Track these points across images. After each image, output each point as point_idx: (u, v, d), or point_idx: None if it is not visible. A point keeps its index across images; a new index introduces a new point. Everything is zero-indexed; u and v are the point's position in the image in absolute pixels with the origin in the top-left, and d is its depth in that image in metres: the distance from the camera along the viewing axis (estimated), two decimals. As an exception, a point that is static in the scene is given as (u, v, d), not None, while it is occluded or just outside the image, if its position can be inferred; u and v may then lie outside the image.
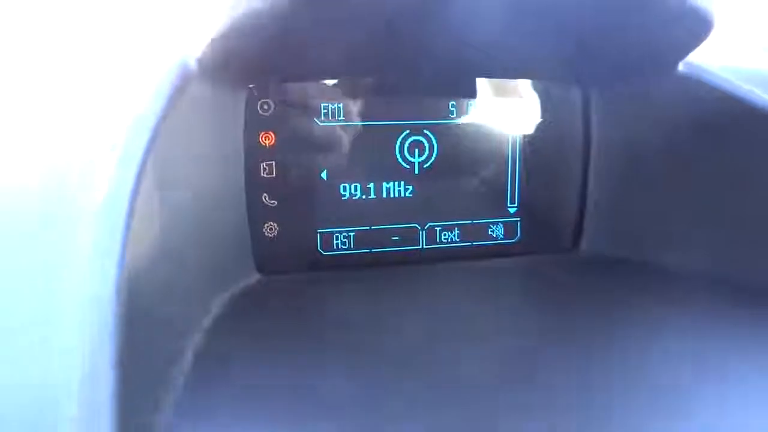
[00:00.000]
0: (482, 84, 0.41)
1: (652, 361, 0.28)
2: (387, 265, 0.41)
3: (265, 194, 0.38)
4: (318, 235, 0.40)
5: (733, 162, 0.36)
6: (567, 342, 0.30)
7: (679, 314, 0.33)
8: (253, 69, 0.35)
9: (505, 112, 0.41)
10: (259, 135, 0.38)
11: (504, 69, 0.40)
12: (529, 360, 0.28)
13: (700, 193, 0.38)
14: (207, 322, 0.30)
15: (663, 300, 0.35)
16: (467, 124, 0.41)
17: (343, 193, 0.40)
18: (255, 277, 0.38)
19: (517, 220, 0.43)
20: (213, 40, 0.30)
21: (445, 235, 0.42)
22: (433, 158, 0.41)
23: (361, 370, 0.28)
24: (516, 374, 0.27)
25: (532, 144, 0.42)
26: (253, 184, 0.38)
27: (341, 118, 0.39)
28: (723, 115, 0.35)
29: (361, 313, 0.35)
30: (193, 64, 0.30)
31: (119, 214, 0.19)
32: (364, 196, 0.40)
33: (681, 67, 0.36)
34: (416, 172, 0.41)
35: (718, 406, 0.24)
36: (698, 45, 0.33)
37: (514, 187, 0.42)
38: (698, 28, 0.30)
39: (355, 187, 0.40)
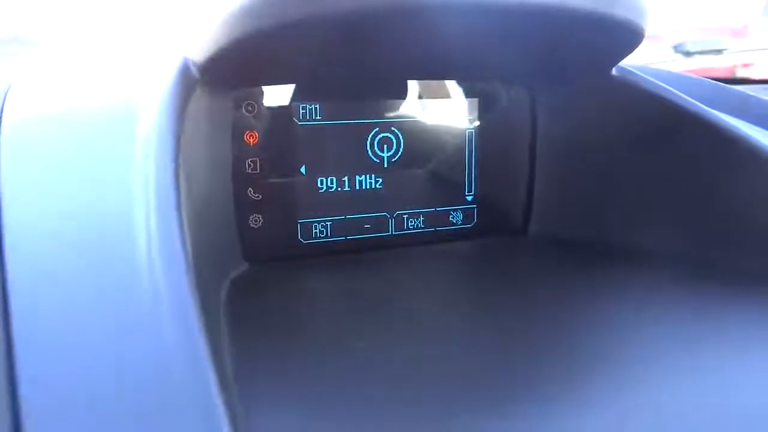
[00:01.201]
0: (443, 85, 0.46)
1: (591, 323, 0.34)
2: (361, 250, 0.45)
3: (250, 188, 0.42)
4: (298, 225, 0.44)
5: (659, 152, 0.42)
6: (519, 308, 0.36)
7: (611, 282, 0.39)
8: (241, 75, 0.38)
9: (462, 110, 0.46)
10: (244, 134, 0.41)
11: (463, 72, 0.45)
12: (490, 325, 0.34)
13: (632, 180, 0.44)
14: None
15: (598, 271, 0.41)
16: (429, 122, 0.46)
17: (320, 186, 0.44)
18: (243, 265, 0.41)
19: (474, 207, 0.48)
20: (211, 51, 0.33)
21: (411, 222, 0.46)
22: (400, 153, 0.45)
23: (349, 337, 0.32)
24: (480, 338, 0.32)
25: (485, 139, 0.47)
26: (239, 179, 0.41)
27: (318, 118, 0.43)
28: (649, 111, 0.41)
29: (341, 292, 0.40)
30: (195, 72, 0.33)
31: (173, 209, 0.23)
32: (339, 189, 0.44)
33: (614, 71, 0.42)
34: (385, 165, 0.45)
35: (662, 372, 0.29)
36: (630, 52, 0.38)
37: (471, 177, 0.47)
38: (629, 38, 0.36)
39: (331, 180, 0.44)
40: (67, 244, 0.23)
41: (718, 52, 1.19)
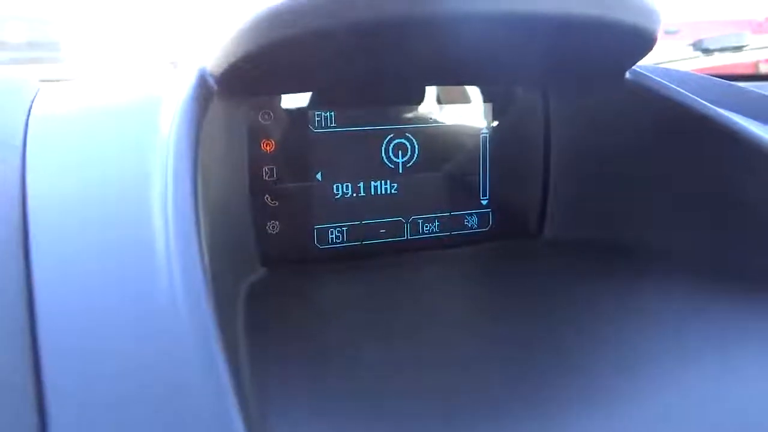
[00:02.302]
0: (457, 91, 0.46)
1: (605, 321, 0.34)
2: (376, 255, 0.45)
3: (267, 195, 0.43)
4: (315, 230, 0.44)
5: (672, 155, 0.42)
6: (535, 312, 0.36)
7: (626, 285, 0.39)
8: (255, 86, 0.39)
9: (476, 115, 0.47)
10: (260, 142, 0.42)
11: (476, 78, 0.45)
12: (506, 330, 0.34)
13: (645, 183, 0.44)
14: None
15: (610, 272, 0.41)
16: (444, 127, 0.46)
17: (336, 192, 0.44)
18: (261, 271, 0.42)
19: (488, 211, 0.48)
20: (225, 64, 0.34)
21: (426, 226, 0.47)
22: (414, 158, 0.46)
23: (366, 341, 0.33)
24: (496, 343, 0.33)
25: (499, 143, 0.47)
26: (256, 186, 0.42)
27: (332, 125, 0.43)
28: (661, 114, 0.41)
29: (357, 296, 0.40)
30: (212, 83, 0.34)
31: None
32: (354, 195, 0.45)
33: (628, 74, 0.42)
34: (400, 171, 0.45)
35: (673, 368, 0.30)
36: (642, 56, 0.39)
37: (485, 181, 0.48)
38: (641, 43, 0.36)
39: (347, 186, 0.44)
40: (89, 243, 0.24)
41: (738, 48, 1.18)
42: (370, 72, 0.41)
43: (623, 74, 0.41)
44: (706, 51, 1.17)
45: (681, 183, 0.42)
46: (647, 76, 0.42)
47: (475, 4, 0.29)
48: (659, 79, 0.41)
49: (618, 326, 0.35)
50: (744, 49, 1.18)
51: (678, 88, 0.41)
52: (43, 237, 0.25)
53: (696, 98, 0.40)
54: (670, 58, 1.26)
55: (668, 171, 0.42)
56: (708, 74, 1.11)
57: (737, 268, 0.39)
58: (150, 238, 0.24)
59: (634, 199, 0.44)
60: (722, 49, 1.17)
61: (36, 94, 0.36)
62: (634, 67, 0.41)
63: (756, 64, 1.31)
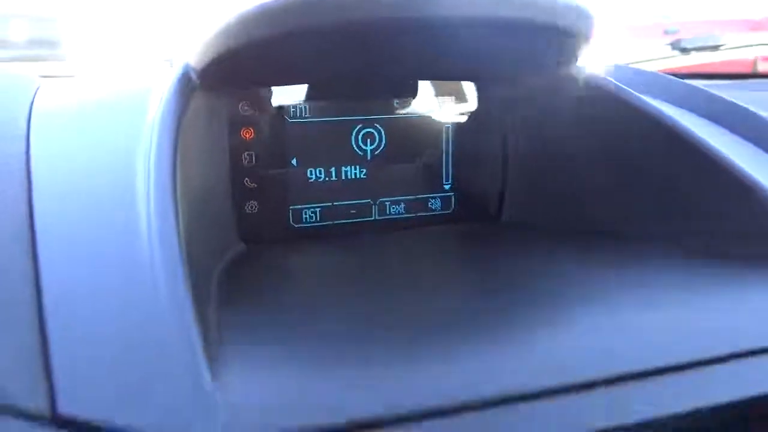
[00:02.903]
0: (421, 85, 0.51)
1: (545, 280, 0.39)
2: (347, 234, 0.50)
3: (246, 178, 0.47)
4: (290, 211, 0.49)
5: (609, 143, 0.47)
6: (488, 274, 0.41)
7: (569, 255, 0.44)
8: (236, 79, 0.44)
9: (438, 108, 0.51)
10: (240, 131, 0.47)
11: (438, 74, 0.50)
12: (460, 285, 0.39)
13: (588, 170, 0.48)
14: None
15: (559, 249, 0.46)
16: (409, 118, 0.51)
17: (309, 176, 0.49)
18: (240, 246, 0.47)
19: (451, 195, 0.53)
20: (207, 59, 0.39)
21: (393, 208, 0.52)
22: (382, 146, 0.50)
23: (330, 299, 0.38)
24: (448, 293, 0.38)
25: (460, 133, 0.52)
26: (236, 170, 0.47)
27: (307, 115, 0.48)
28: (601, 106, 0.46)
29: (327, 264, 0.45)
30: (195, 77, 0.39)
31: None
32: (327, 179, 0.49)
33: (571, 70, 0.46)
34: (369, 158, 0.50)
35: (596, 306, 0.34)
36: (580, 54, 0.43)
37: (448, 167, 0.53)
38: (575, 42, 0.41)
39: (320, 171, 0.49)
40: (85, 219, 0.29)
41: (715, 48, 1.22)
42: (339, 69, 0.46)
43: (565, 69, 0.46)
44: (684, 50, 1.21)
45: (619, 169, 0.46)
46: (585, 70, 0.46)
47: (434, 9, 0.34)
48: (598, 74, 0.46)
49: (555, 281, 0.39)
50: (720, 48, 1.22)
51: (616, 82, 0.46)
52: (46, 215, 0.29)
53: (632, 92, 0.45)
54: (651, 57, 1.31)
55: (607, 158, 0.47)
56: (706, 72, 1.15)
57: (665, 243, 0.44)
58: (134, 214, 0.29)
59: (579, 184, 0.49)
60: (699, 49, 1.21)
61: (37, 89, 0.41)
62: (579, 64, 0.46)
63: (754, 62, 1.35)
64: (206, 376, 0.23)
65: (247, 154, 0.47)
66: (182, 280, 0.27)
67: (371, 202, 0.51)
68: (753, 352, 0.29)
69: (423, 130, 0.51)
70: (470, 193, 0.53)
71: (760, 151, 0.46)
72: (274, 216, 0.48)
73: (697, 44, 1.20)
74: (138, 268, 0.26)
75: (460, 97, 0.52)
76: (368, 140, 0.50)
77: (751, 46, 1.34)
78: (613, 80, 0.46)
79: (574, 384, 0.26)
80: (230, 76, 0.42)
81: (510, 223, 0.53)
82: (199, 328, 0.25)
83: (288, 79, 0.47)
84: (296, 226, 0.49)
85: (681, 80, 0.61)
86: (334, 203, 0.50)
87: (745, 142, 0.48)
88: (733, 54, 1.31)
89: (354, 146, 0.50)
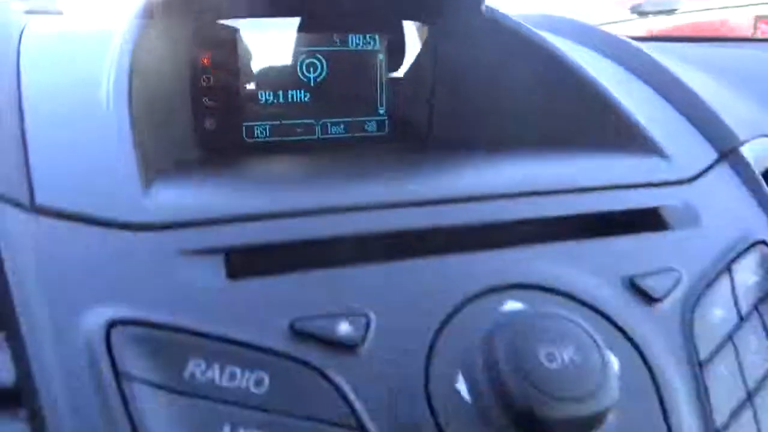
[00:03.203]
0: (356, 19, 0.59)
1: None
2: (292, 149, 0.59)
3: (205, 98, 0.56)
4: (243, 127, 0.58)
5: (510, 70, 0.55)
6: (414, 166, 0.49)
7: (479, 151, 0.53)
8: (196, 9, 0.52)
9: (374, 40, 0.60)
10: (199, 56, 0.55)
11: (370, 14, 0.59)
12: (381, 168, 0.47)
13: (498, 92, 0.57)
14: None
15: (474, 151, 0.54)
16: (347, 50, 0.59)
17: (260, 98, 0.58)
18: (199, 152, 0.56)
19: (385, 119, 0.62)
20: None
21: (334, 128, 0.60)
22: (323, 74, 0.59)
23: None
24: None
25: (393, 63, 0.60)
26: (195, 91, 0.55)
27: (258, 46, 0.57)
28: (507, 41, 0.54)
29: (272, 167, 0.54)
30: (154, 9, 0.48)
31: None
32: (275, 101, 0.58)
33: (484, 9, 0.55)
34: (312, 84, 0.59)
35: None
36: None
37: (382, 94, 0.61)
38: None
39: (270, 94, 0.58)
40: (63, 108, 0.38)
41: (671, 11, 1.29)
42: (289, 5, 0.55)
43: (479, 8, 0.54)
44: (642, 14, 1.29)
45: (516, 92, 0.55)
46: (498, 10, 0.55)
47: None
48: (507, 14, 0.54)
49: (468, 161, 0.47)
50: (676, 12, 1.29)
51: (522, 22, 0.54)
52: (33, 109, 0.38)
53: (535, 30, 0.53)
54: (613, 20, 1.38)
55: (510, 83, 0.55)
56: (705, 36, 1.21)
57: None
58: (98, 100, 0.38)
59: (490, 106, 0.58)
60: (658, 12, 1.28)
61: (25, 24, 0.50)
62: (490, 5, 0.54)
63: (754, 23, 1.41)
64: (139, 182, 0.32)
65: (206, 77, 0.55)
66: (129, 126, 0.35)
67: (314, 123, 0.60)
68: (582, 189, 0.37)
69: (360, 61, 0.60)
70: (402, 117, 0.62)
71: (642, 84, 0.54)
72: (229, 131, 0.57)
73: (656, 8, 1.27)
74: (98, 114, 0.35)
75: (394, 32, 0.60)
76: (311, 68, 0.58)
77: (710, 9, 1.41)
78: (515, 18, 0.54)
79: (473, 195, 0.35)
80: (186, 8, 0.50)
81: (437, 141, 0.62)
82: (138, 155, 0.34)
83: (234, 11, 0.55)
84: (249, 140, 0.58)
85: (605, 31, 0.69)
86: (282, 122, 0.59)
87: (632, 77, 0.55)
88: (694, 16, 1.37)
89: (299, 74, 0.58)
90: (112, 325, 0.26)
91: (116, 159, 0.33)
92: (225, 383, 0.26)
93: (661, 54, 0.58)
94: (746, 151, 0.44)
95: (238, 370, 0.26)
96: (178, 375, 0.26)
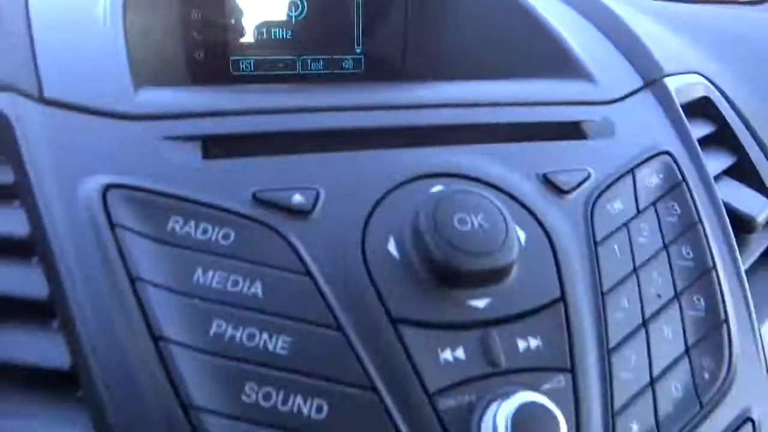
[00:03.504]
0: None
1: None
2: (276, 83, 0.65)
3: (194, 31, 0.61)
4: (230, 60, 0.63)
5: (480, 12, 0.60)
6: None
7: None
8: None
9: (350, -17, 0.65)
10: (190, 11, 0.60)
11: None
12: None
13: (464, 31, 0.62)
14: None
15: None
16: (326, -9, 0.65)
17: (246, 33, 0.63)
18: (188, 80, 0.61)
19: (361, 57, 0.67)
20: None
21: (314, 64, 0.66)
22: (303, 14, 0.64)
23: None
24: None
25: (369, 4, 0.66)
26: (186, 24, 0.61)
27: (243, -16, 0.62)
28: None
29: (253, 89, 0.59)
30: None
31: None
32: (260, 37, 0.64)
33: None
34: (293, 22, 0.64)
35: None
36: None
37: (359, 34, 0.66)
38: None
39: (254, 31, 0.63)
40: (65, 12, 0.43)
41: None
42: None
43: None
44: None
45: (478, 29, 0.60)
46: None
47: None
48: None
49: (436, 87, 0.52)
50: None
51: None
52: (39, 18, 0.43)
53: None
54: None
55: (471, 20, 0.61)
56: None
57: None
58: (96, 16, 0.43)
59: (455, 43, 0.63)
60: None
61: None
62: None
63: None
64: (131, 83, 0.38)
65: (195, 11, 0.61)
66: (123, 41, 0.41)
67: (296, 59, 0.65)
68: (515, 103, 0.43)
69: (338, 1, 0.65)
70: (377, 56, 0.67)
71: (585, 22, 0.59)
72: (217, 64, 0.63)
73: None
74: (96, 28, 0.41)
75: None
76: (293, 7, 0.64)
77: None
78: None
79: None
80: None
81: (409, 78, 0.67)
82: (130, 63, 0.39)
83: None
84: (235, 73, 0.64)
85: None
86: (266, 57, 0.64)
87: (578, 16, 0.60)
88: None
89: (283, 12, 0.63)
90: (107, 188, 0.32)
91: (113, 64, 0.39)
92: (199, 236, 0.32)
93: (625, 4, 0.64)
94: (670, 82, 0.50)
95: (210, 227, 0.32)
96: (161, 228, 0.32)
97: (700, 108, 0.54)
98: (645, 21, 0.59)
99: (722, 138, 0.53)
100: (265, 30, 0.63)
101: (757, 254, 0.45)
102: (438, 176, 0.37)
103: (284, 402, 0.29)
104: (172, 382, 0.28)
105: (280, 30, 0.64)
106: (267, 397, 0.29)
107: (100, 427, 0.28)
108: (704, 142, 0.50)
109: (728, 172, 0.52)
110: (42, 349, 0.30)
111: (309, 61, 0.66)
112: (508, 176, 0.38)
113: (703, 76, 0.57)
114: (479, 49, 0.61)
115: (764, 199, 0.48)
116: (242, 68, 0.64)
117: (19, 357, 0.30)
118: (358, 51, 0.67)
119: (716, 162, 0.50)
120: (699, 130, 0.51)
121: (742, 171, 0.52)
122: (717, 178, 0.49)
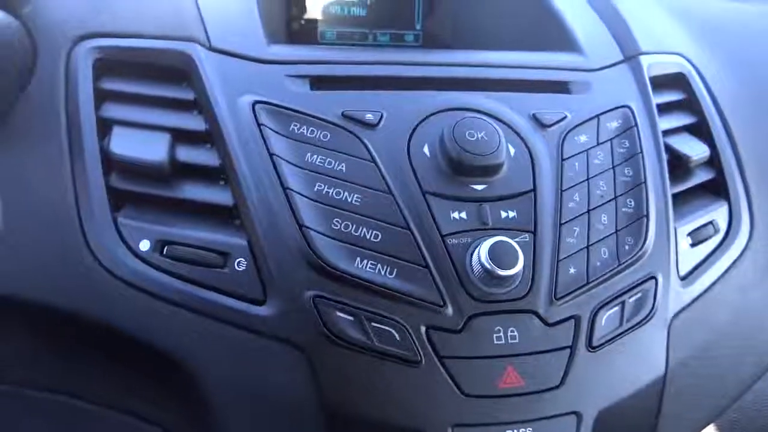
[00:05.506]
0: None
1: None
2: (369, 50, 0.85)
3: (294, 7, 0.82)
4: (318, 31, 0.84)
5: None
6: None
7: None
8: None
9: (413, -26, 0.84)
10: (293, -21, 0.81)
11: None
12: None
13: (495, 11, 0.81)
14: None
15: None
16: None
17: (331, 10, 0.83)
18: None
19: (420, 32, 0.87)
20: None
21: (381, 37, 0.85)
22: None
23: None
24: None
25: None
26: (290, 8, 0.82)
27: (332, -28, 0.82)
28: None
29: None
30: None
31: None
32: (341, 14, 0.84)
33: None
34: (367, 3, 0.84)
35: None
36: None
37: (419, 13, 0.86)
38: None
39: (336, 7, 0.83)
40: None
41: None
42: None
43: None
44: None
45: (502, 14, 0.79)
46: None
47: None
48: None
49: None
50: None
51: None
52: None
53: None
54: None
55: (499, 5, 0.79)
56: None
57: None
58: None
59: (488, 20, 0.82)
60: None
61: None
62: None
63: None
64: (265, 39, 0.59)
65: (296, -6, 0.81)
66: (258, 12, 0.62)
67: (368, 32, 0.85)
68: (519, 66, 0.62)
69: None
70: (433, 31, 0.87)
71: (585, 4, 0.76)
72: (307, 32, 0.83)
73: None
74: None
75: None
76: (370, -7, 0.84)
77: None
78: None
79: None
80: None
81: (458, 45, 0.87)
82: (262, 25, 0.60)
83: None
84: (321, 41, 0.84)
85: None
86: (345, 29, 0.84)
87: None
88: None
89: (360, -4, 0.84)
90: (255, 103, 0.53)
91: (254, 27, 0.60)
92: (308, 134, 0.53)
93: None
94: (647, 58, 0.68)
95: (315, 129, 0.53)
96: (286, 128, 0.53)
97: (674, 80, 0.71)
98: (641, 7, 0.76)
99: (688, 104, 0.71)
100: (346, 9, 0.84)
101: (690, 184, 0.63)
102: (458, 110, 0.56)
103: (356, 230, 0.50)
104: (294, 212, 0.49)
105: (357, 8, 0.84)
106: (346, 227, 0.50)
107: (253, 239, 0.50)
108: (672, 105, 0.68)
109: (690, 130, 0.69)
110: (212, 194, 0.52)
111: (378, 34, 0.85)
112: (507, 112, 0.57)
113: (685, 57, 0.74)
114: (499, 26, 0.80)
115: (706, 148, 0.66)
116: (327, 37, 0.84)
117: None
118: (418, 27, 0.86)
119: (677, 119, 0.68)
120: (668, 96, 0.69)
121: (700, 130, 0.70)
122: (676, 131, 0.67)
